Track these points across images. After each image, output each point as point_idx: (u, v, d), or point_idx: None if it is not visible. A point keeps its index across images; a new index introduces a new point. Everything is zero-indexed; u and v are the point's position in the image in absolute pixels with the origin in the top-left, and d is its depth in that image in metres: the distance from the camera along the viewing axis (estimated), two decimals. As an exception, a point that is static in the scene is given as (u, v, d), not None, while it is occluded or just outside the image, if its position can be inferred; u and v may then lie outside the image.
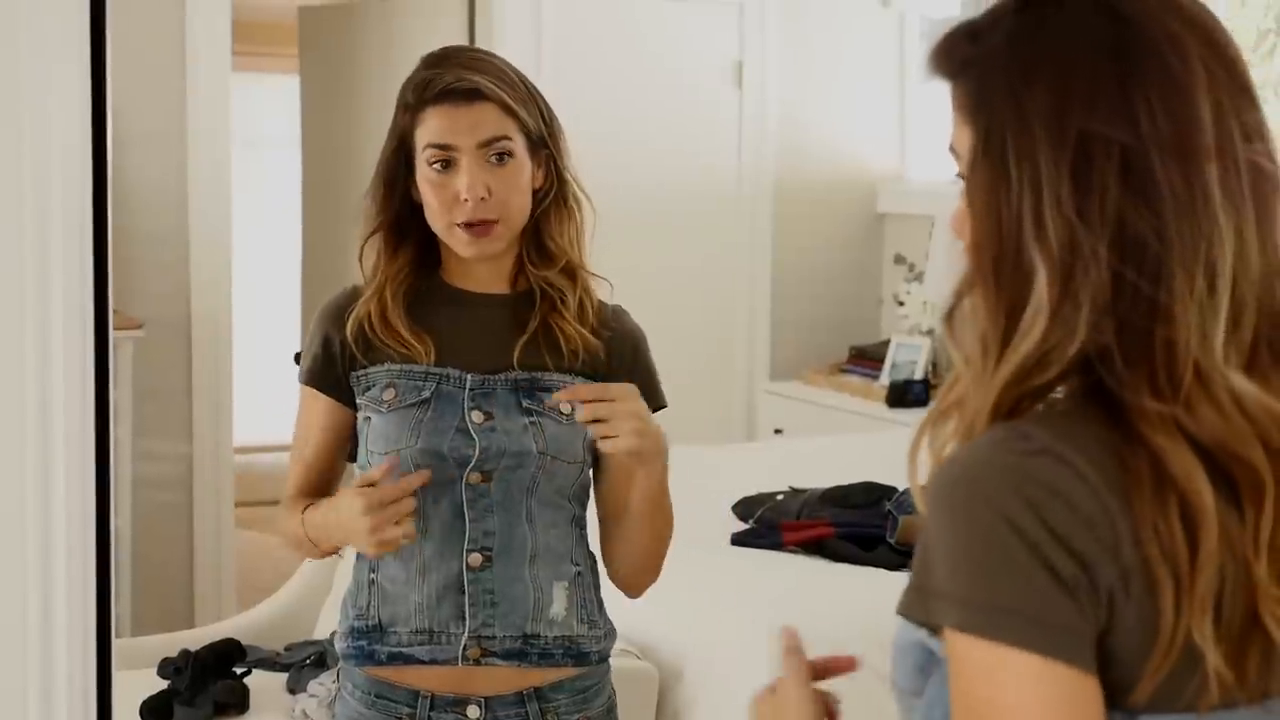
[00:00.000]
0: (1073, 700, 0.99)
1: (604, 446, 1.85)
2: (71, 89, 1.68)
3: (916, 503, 1.08)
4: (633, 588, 2.05)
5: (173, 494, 4.84)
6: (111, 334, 1.59)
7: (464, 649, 1.93)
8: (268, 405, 6.99)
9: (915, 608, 1.05)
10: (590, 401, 1.82)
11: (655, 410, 1.99)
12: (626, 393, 1.84)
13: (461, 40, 4.95)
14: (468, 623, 1.93)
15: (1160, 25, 1.05)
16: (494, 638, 1.93)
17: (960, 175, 1.10)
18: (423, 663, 1.95)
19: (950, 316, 1.09)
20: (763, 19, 5.46)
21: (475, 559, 1.93)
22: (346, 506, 1.87)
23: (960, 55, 1.09)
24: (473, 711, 1.94)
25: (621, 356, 2.00)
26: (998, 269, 1.05)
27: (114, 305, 1.87)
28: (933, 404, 1.11)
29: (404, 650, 1.95)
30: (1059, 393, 1.07)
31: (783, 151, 5.55)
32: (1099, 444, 1.02)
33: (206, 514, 4.88)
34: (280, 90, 7.27)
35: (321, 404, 2.01)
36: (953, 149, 1.11)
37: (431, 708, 1.95)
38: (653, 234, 5.19)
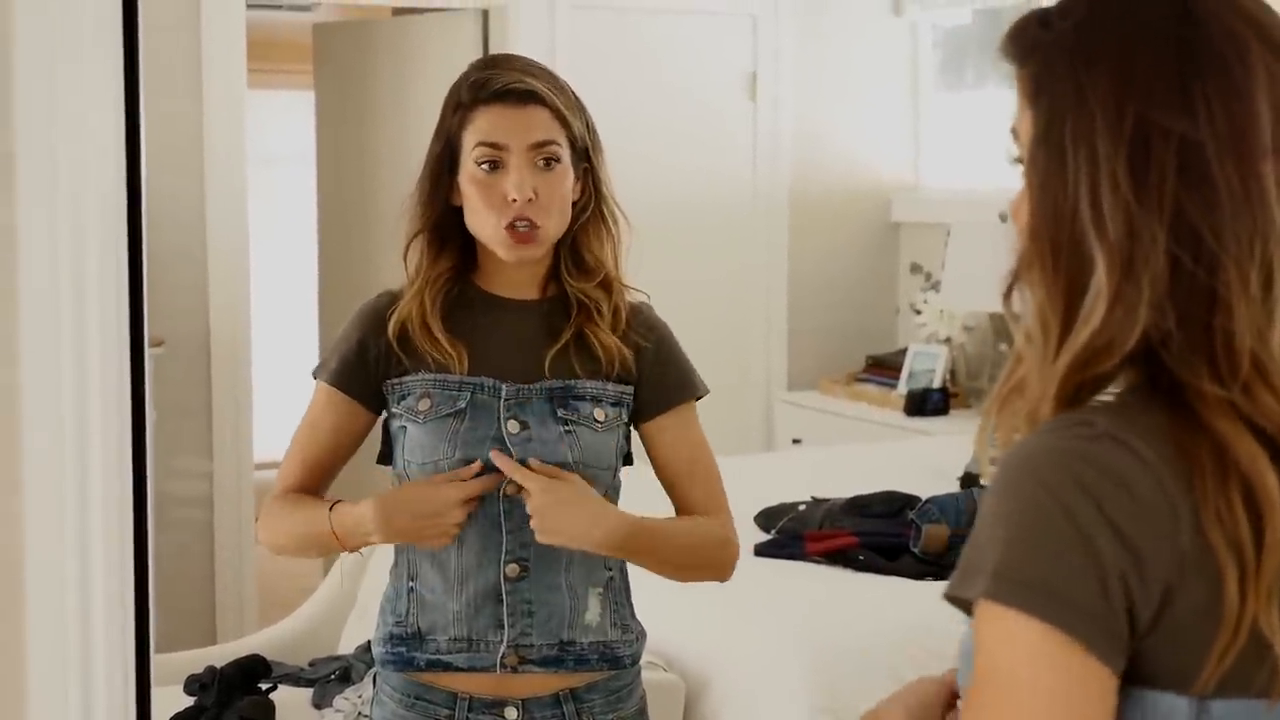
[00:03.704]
0: (1084, 683, 0.99)
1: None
2: (105, 108, 1.69)
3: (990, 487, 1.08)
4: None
5: (194, 510, 4.85)
6: (148, 352, 1.60)
7: (502, 657, 1.95)
8: (287, 420, 7.00)
9: (956, 586, 1.05)
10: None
11: (696, 398, 2.04)
12: (536, 487, 1.89)
13: (476, 56, 4.97)
14: (506, 632, 1.95)
15: (1224, 24, 1.06)
16: (531, 646, 1.95)
17: (1019, 159, 1.12)
18: (460, 669, 1.97)
19: (1008, 296, 1.11)
20: (776, 31, 5.47)
21: (513, 569, 1.95)
22: (431, 496, 1.89)
23: (1029, 39, 1.11)
24: (510, 713, 1.96)
25: (653, 359, 2.02)
26: (1055, 250, 1.07)
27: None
28: (996, 386, 1.12)
29: (443, 658, 1.97)
30: (1119, 385, 1.08)
31: (797, 162, 5.56)
32: (1160, 432, 1.03)
33: (228, 530, 4.89)
34: (294, 106, 7.29)
35: (344, 405, 2.02)
36: (1014, 131, 1.12)
37: (470, 710, 1.97)
38: (668, 246, 5.19)
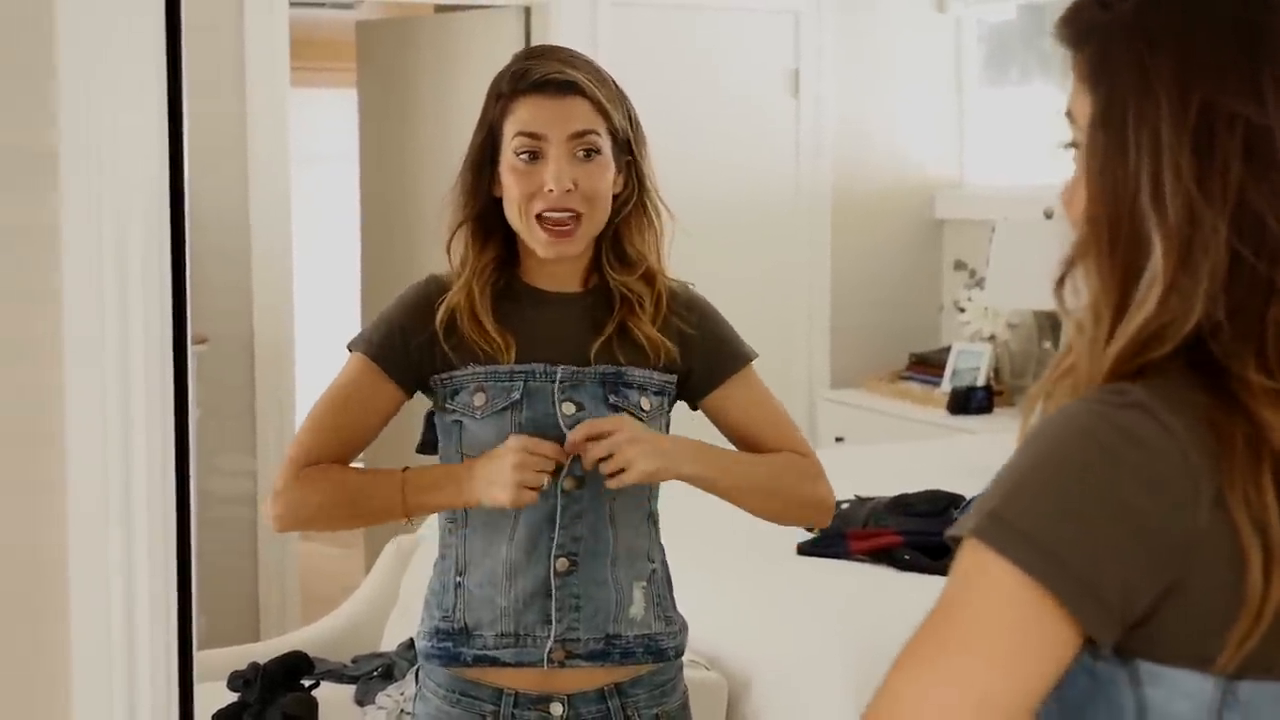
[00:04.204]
0: (1046, 630, 0.97)
1: (612, 484, 1.88)
2: (148, 108, 1.70)
3: None
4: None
5: (237, 508, 4.88)
6: (191, 350, 1.60)
7: (549, 652, 1.95)
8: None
9: (956, 526, 1.03)
10: (592, 440, 1.86)
11: (748, 362, 2.05)
12: (619, 424, 1.87)
13: (518, 53, 4.96)
14: (554, 627, 1.95)
15: None
16: (578, 640, 1.96)
17: (1073, 144, 1.10)
18: (507, 664, 1.96)
19: (1060, 285, 1.09)
20: (819, 27, 5.46)
21: (562, 564, 1.95)
22: (496, 457, 1.88)
23: (1087, 22, 1.09)
24: (556, 709, 1.97)
25: (699, 343, 2.02)
26: (1113, 236, 1.05)
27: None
28: (1045, 374, 1.10)
29: (489, 653, 1.97)
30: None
31: (840, 159, 5.54)
32: (1196, 410, 1.01)
33: (271, 527, 4.90)
34: (336, 105, 7.32)
35: (379, 381, 1.98)
36: (1069, 114, 1.10)
37: (515, 705, 1.97)
38: (711, 243, 5.17)
